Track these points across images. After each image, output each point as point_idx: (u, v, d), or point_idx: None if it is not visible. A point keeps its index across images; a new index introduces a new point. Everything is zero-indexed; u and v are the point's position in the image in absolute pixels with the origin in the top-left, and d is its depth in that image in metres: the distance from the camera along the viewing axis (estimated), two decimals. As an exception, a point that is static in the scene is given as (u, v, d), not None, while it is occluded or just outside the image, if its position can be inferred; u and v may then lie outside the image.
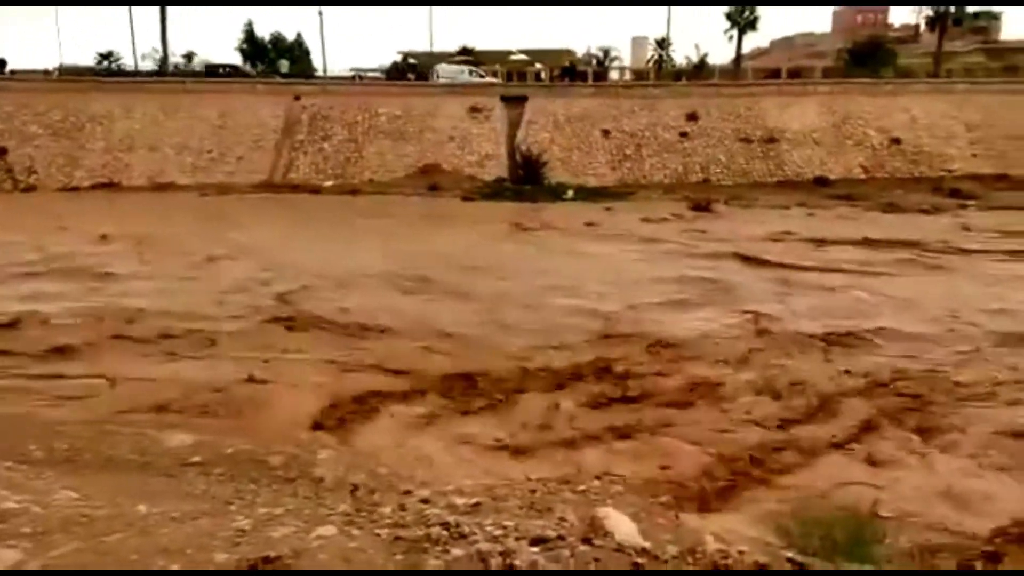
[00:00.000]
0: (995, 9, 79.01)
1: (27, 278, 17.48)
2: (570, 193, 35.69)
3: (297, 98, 42.53)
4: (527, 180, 37.11)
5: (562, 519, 3.00)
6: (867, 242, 24.09)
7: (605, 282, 18.39)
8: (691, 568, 2.34)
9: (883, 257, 21.87)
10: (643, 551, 2.52)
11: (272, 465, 6.27)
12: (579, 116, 41.77)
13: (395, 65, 58.68)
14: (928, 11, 56.01)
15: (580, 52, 60.73)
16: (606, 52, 53.64)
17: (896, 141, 40.29)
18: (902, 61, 54.98)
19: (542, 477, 4.53)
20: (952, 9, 52.56)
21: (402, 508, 3.10)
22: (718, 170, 39.63)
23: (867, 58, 51.41)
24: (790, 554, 2.31)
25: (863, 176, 38.81)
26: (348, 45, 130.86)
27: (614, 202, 33.67)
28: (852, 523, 5.44)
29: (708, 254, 22.73)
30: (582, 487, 4.14)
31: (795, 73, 52.12)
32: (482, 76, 50.05)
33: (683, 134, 40.95)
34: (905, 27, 74.37)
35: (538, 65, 54.06)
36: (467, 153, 40.38)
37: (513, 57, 55.92)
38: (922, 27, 62.17)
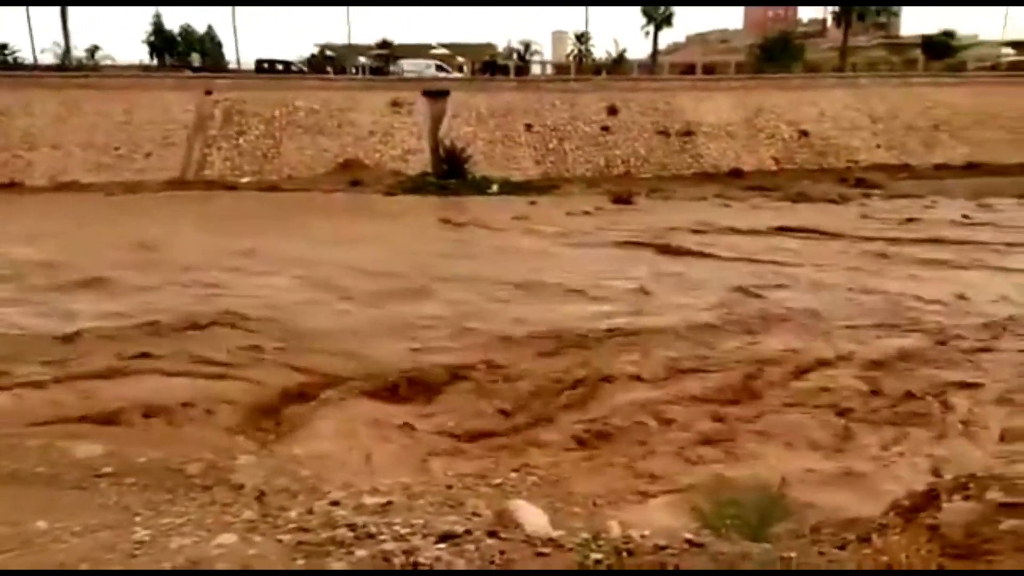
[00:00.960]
0: (895, 7, 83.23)
1: None
2: (495, 187, 35.74)
3: (208, 92, 41.12)
4: (451, 174, 36.95)
5: (474, 513, 3.00)
6: (779, 231, 25.15)
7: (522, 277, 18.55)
8: (596, 551, 2.37)
9: (792, 245, 22.88)
10: (549, 541, 2.54)
11: (189, 473, 6.05)
12: (502, 110, 41.83)
13: (312, 58, 57.46)
14: (835, 7, 58.44)
15: (501, 46, 60.87)
16: (527, 46, 53.90)
17: (805, 134, 41.89)
18: (810, 56, 57.15)
19: (461, 473, 4.51)
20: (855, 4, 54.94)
21: (310, 512, 3.04)
22: (638, 163, 40.37)
23: (777, 53, 53.22)
24: (688, 535, 2.37)
25: (775, 168, 40.18)
26: (262, 37, 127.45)
27: (538, 196, 33.92)
28: (762, 502, 5.64)
29: (630, 244, 23.25)
30: (498, 480, 4.15)
31: (710, 68, 53.58)
32: (447, 71, 50.07)
33: (604, 128, 41.52)
34: (813, 22, 77.51)
35: (459, 59, 53.84)
36: (389, 148, 39.91)
37: (434, 51, 55.53)
38: (829, 22, 64.83)
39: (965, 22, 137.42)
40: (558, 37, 65.52)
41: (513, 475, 4.30)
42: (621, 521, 3.54)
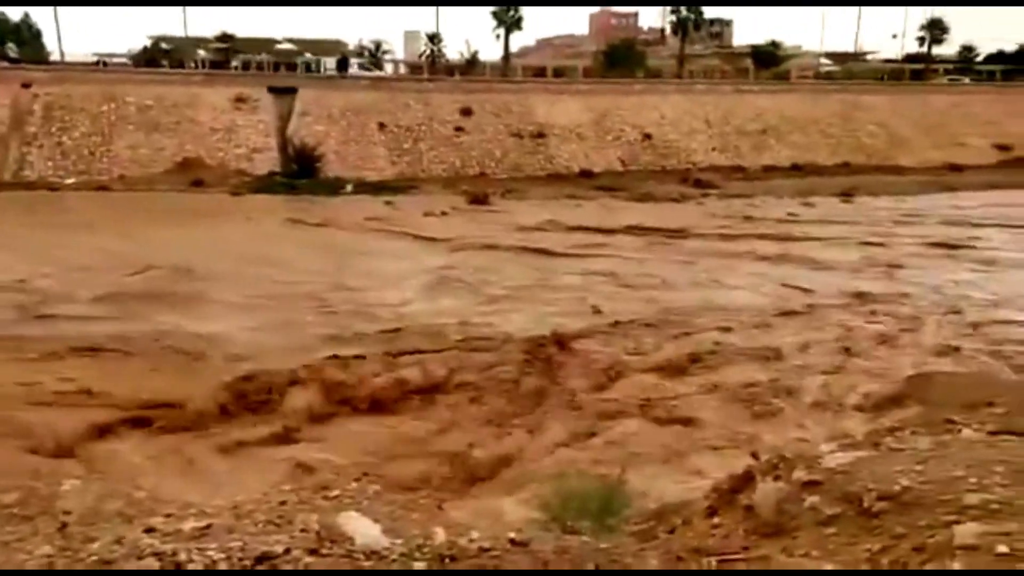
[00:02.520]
0: (727, 16, 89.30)
1: None
2: (349, 187, 34.94)
3: (27, 86, 37.42)
4: (301, 174, 35.70)
5: (302, 530, 2.86)
6: (626, 229, 26.34)
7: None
8: (420, 565, 2.33)
9: (639, 242, 24.08)
10: (372, 553, 2.47)
11: (5, 503, 5.42)
12: (355, 109, 40.93)
13: (145, 50, 53.73)
14: (672, 16, 61.74)
15: (351, 44, 59.58)
16: (378, 45, 52.99)
17: (648, 136, 43.95)
18: (651, 62, 60.11)
19: (298, 486, 4.33)
20: (691, 14, 58.37)
21: (118, 541, 2.79)
22: (493, 164, 40.80)
23: (621, 59, 55.57)
24: (512, 535, 2.37)
25: (622, 169, 41.89)
26: (90, 29, 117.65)
27: (395, 196, 33.52)
28: (603, 492, 5.83)
29: (489, 245, 23.52)
30: (336, 493, 4.01)
31: (559, 72, 55.08)
32: (369, 69, 49.75)
33: (458, 129, 41.63)
34: (653, 31, 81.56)
35: (308, 55, 52.20)
36: (233, 146, 38.01)
37: (279, 46, 53.48)
38: (668, 31, 68.45)
39: (789, 34, 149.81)
40: (411, 36, 65.05)
41: (354, 485, 4.16)
42: (460, 523, 3.51)
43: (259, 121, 39.29)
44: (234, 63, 50.62)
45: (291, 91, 40.86)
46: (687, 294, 16.89)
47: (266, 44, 52.28)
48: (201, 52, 52.49)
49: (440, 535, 2.57)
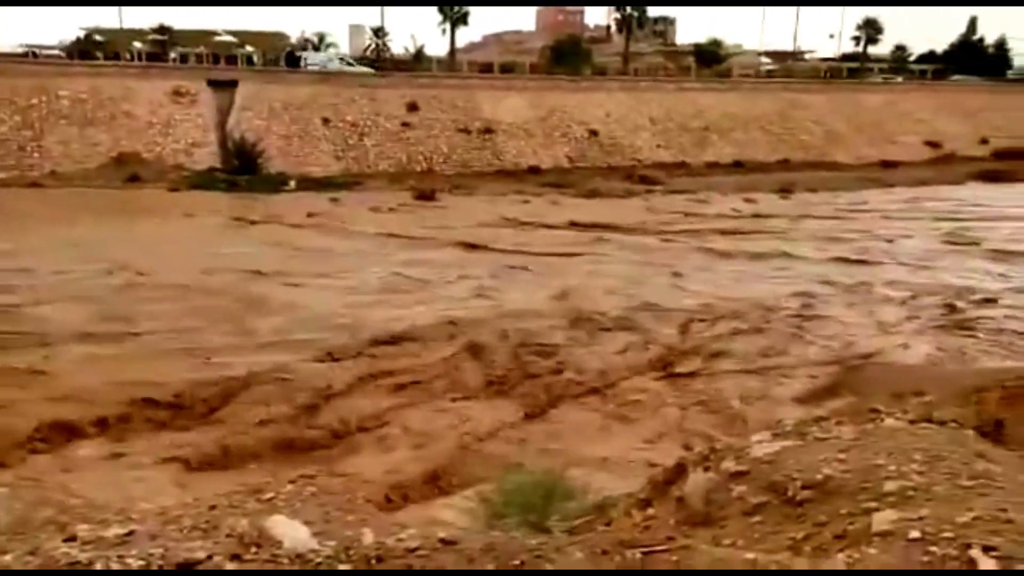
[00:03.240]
0: (671, 15, 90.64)
1: None
2: (292, 184, 34.36)
3: (-52, 76, 35.77)
4: (243, 170, 34.93)
5: (228, 535, 2.79)
6: (572, 225, 26.58)
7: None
8: (349, 567, 2.29)
9: (585, 237, 24.34)
10: (297, 556, 2.42)
11: None
12: (298, 103, 40.22)
13: (78, 42, 51.82)
14: (617, 14, 62.38)
15: (294, 36, 58.49)
16: (321, 38, 52.10)
17: (595, 133, 44.30)
18: (597, 60, 60.57)
19: (232, 490, 4.22)
20: (635, 12, 59.04)
21: (32, 553, 2.68)
22: (441, 160, 40.60)
23: (567, 56, 55.85)
24: (443, 534, 2.36)
25: (569, 165, 42.13)
26: (17, 19, 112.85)
27: (340, 192, 33.12)
28: (546, 486, 5.85)
29: (436, 242, 23.46)
30: (270, 495, 3.92)
31: (507, 68, 55.04)
32: (351, 64, 49.00)
33: (405, 124, 41.28)
34: (598, 28, 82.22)
35: (248, 48, 51.06)
36: (171, 141, 36.99)
37: (218, 38, 52.18)
38: (613, 29, 69.09)
39: (730, 33, 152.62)
40: (355, 30, 64.18)
41: (289, 487, 4.08)
42: (396, 523, 3.47)
43: (198, 115, 38.33)
44: (172, 56, 49.23)
45: (231, 84, 39.96)
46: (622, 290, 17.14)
47: (205, 37, 50.94)
48: (137, 44, 50.91)
49: (368, 536, 2.54)
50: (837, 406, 9.01)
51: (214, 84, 39.72)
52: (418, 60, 55.18)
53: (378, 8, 77.84)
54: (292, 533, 2.82)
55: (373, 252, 21.61)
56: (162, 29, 51.45)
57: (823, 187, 36.37)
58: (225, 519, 3.25)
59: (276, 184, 33.83)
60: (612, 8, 64.83)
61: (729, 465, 3.27)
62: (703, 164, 43.45)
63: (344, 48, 60.82)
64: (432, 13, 57.15)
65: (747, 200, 32.71)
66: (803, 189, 35.56)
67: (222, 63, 46.53)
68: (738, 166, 43.06)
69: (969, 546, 2.12)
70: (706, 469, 3.39)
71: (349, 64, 49.72)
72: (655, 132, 45.51)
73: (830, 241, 23.84)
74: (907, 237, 24.53)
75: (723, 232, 25.25)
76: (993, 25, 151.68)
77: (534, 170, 40.38)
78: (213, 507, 3.81)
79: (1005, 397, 3.91)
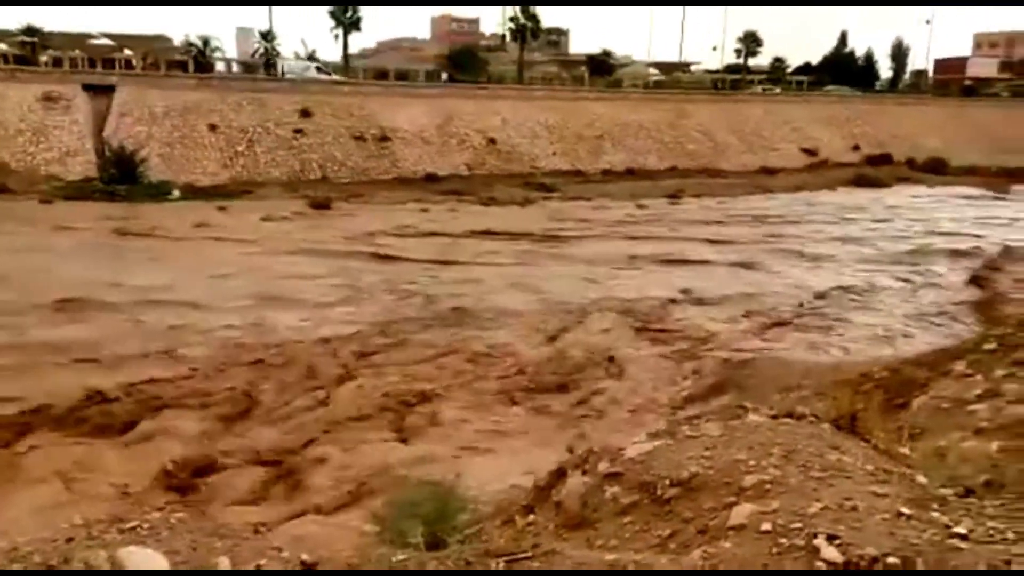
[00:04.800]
0: (564, 26, 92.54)
1: None
2: (176, 193, 32.88)
3: None
4: (123, 179, 33.12)
5: (80, 570, 2.60)
6: (472, 234, 26.59)
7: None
8: None
9: (489, 246, 24.41)
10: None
11: None
12: (181, 109, 38.53)
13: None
14: (512, 24, 63.05)
15: (177, 40, 55.99)
16: (206, 41, 50.08)
17: (492, 141, 44.59)
18: (493, 68, 61.05)
19: (93, 519, 3.95)
20: (528, 22, 59.86)
21: None
22: (336, 168, 39.83)
23: (463, 64, 56.02)
24: (305, 556, 2.28)
25: (467, 173, 42.22)
26: None
27: (228, 201, 31.91)
28: (438, 498, 5.80)
29: (334, 252, 22.98)
30: (133, 524, 3.69)
31: (402, 75, 54.61)
32: (329, 74, 48.50)
33: (298, 131, 40.28)
34: (493, 37, 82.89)
35: (127, 51, 48.53)
36: (43, 149, 34.68)
37: (95, 41, 49.36)
38: (508, 38, 69.77)
39: (620, 44, 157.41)
40: (244, 34, 62.10)
41: (156, 515, 3.85)
42: (272, 547, 3.34)
43: (73, 122, 36.12)
44: (43, 59, 46.16)
45: (109, 89, 37.87)
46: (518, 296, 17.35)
47: (80, 40, 48.01)
48: (2, 46, 47.41)
49: (224, 562, 2.43)
50: (724, 403, 9.38)
51: (90, 89, 37.53)
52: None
53: (267, 11, 75.51)
54: (148, 563, 2.66)
55: (256, 263, 20.93)
56: (31, 31, 48.12)
57: (709, 193, 37.96)
58: (79, 552, 3.04)
59: (159, 193, 32.29)
60: (506, 17, 65.55)
61: (604, 467, 3.33)
62: (598, 171, 44.51)
63: (231, 52, 58.77)
64: (324, 18, 56.11)
65: (639, 206, 33.73)
66: (690, 195, 37.00)
67: (99, 67, 43.93)
68: (631, 173, 44.33)
69: (815, 535, 2.23)
70: (584, 472, 3.44)
71: (327, 74, 49.54)
72: (552, 140, 46.26)
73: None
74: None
75: (614, 237, 26.00)
76: (862, 38, 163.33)
77: (432, 178, 40.24)
78: (70, 539, 3.57)
79: (859, 391, 4.16)
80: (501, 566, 2.11)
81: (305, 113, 40.91)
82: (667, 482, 2.96)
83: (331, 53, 58.13)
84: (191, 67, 47.25)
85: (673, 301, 17.23)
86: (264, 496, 8.31)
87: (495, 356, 12.84)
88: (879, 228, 28.76)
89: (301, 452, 9.25)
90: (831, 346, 14.33)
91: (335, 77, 49.74)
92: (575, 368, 12.36)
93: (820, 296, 17.74)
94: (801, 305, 16.71)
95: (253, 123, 39.57)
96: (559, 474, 3.73)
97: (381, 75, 53.66)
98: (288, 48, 57.84)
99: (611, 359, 13.23)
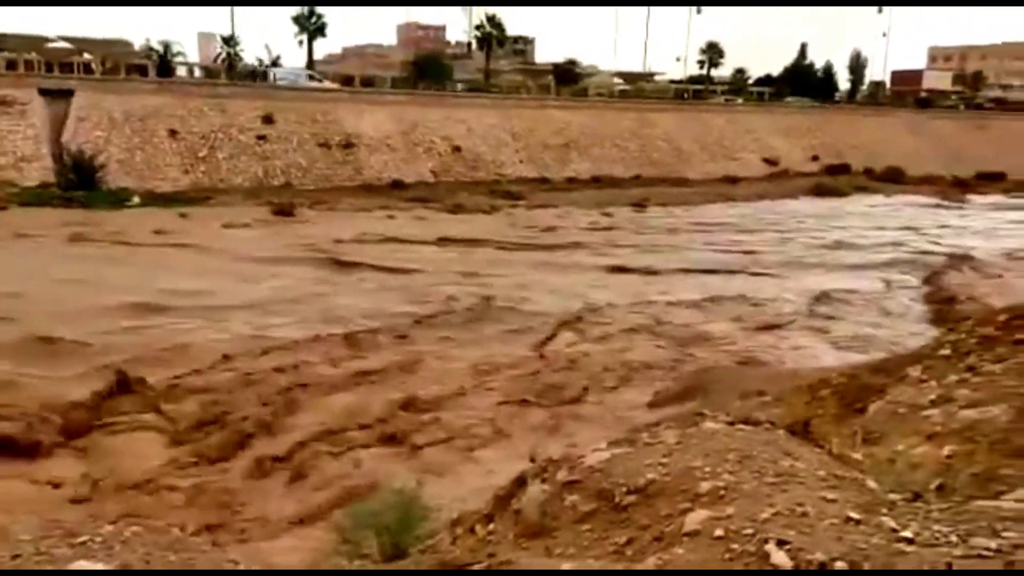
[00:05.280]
0: (530, 34, 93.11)
1: None
2: (136, 199, 32.30)
3: None
4: (81, 185, 32.45)
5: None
6: (440, 241, 26.53)
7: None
8: None
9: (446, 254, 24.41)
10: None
11: None
12: (141, 114, 37.86)
13: None
14: (477, 32, 63.22)
15: (137, 44, 55.01)
16: (167, 46, 49.34)
17: (458, 149, 44.59)
18: (458, 76, 61.12)
19: (43, 534, 3.85)
20: (493, 30, 60.15)
21: None
22: (300, 174, 39.46)
23: (429, 71, 55.99)
24: (243, 566, 2.25)
25: (433, 180, 42.15)
26: None
27: (189, 208, 31.46)
28: (399, 507, 5.76)
29: (297, 259, 22.77)
30: (84, 539, 3.61)
31: (368, 82, 54.37)
32: (320, 81, 48.70)
33: (260, 137, 39.84)
34: (460, 44, 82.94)
35: (86, 55, 47.58)
36: (-3, 154, 33.83)
37: (52, 44, 48.30)
38: (474, 46, 69.89)
39: (585, 54, 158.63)
40: (205, 39, 61.28)
41: (108, 529, 3.77)
42: (227, 561, 3.29)
43: (28, 127, 35.29)
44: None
45: (67, 94, 37.06)
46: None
47: (36, 43, 46.89)
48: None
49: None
50: (691, 408, 9.48)
51: (47, 93, 36.70)
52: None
53: (229, 17, 74.63)
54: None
55: (217, 270, 20.65)
56: (-18, 32, 46.94)
57: (673, 201, 38.38)
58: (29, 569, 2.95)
59: (118, 200, 31.70)
60: (472, 25, 65.65)
61: (563, 475, 3.33)
62: (564, 179, 44.74)
63: (193, 57, 57.95)
64: (288, 24, 55.68)
65: (604, 214, 33.97)
66: (655, 203, 37.37)
67: (56, 71, 42.96)
68: (596, 181, 44.62)
69: (766, 541, 2.26)
70: (543, 480, 3.44)
71: (319, 81, 49.62)
72: (518, 148, 46.41)
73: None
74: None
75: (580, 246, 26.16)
76: (822, 50, 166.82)
77: (398, 185, 40.09)
78: (16, 555, 3.47)
79: (815, 397, 4.24)
80: None
81: (268, 119, 40.49)
82: (625, 489, 2.97)
83: (295, 59, 57.67)
84: (152, 72, 46.50)
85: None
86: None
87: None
88: (842, 235, 29.42)
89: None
90: (799, 348, 14.65)
91: (327, 84, 49.61)
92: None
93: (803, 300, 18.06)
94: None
95: (215, 129, 39.05)
96: (520, 483, 3.72)
97: (347, 81, 53.36)
98: (251, 54, 57.31)
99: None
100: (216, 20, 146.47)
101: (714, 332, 15.78)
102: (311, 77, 50.62)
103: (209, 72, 53.46)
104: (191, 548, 4.08)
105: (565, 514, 3.08)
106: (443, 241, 26.22)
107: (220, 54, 55.03)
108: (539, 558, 2.51)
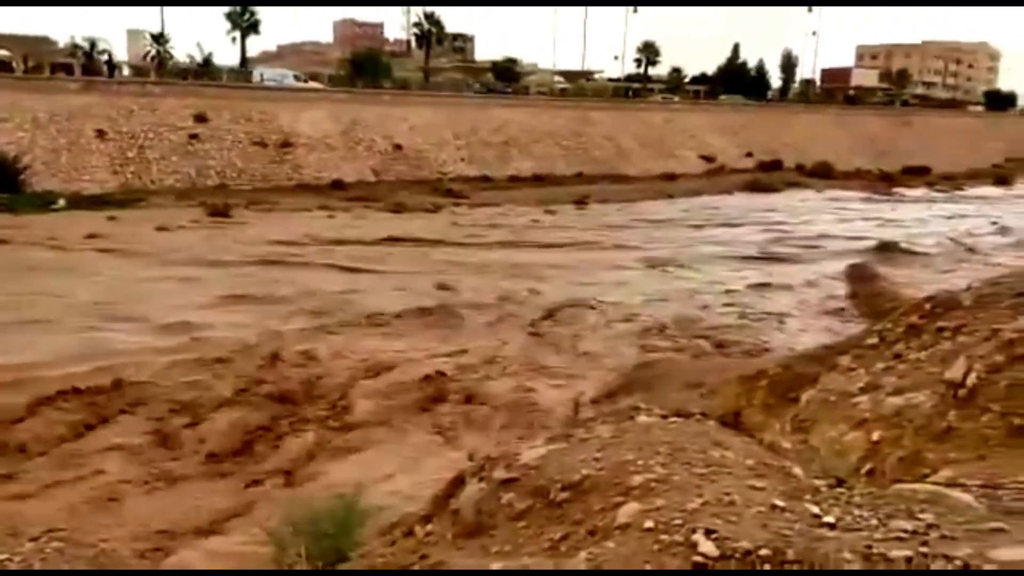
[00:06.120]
0: (469, 32, 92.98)
1: None
2: (61, 202, 31.06)
3: None
4: (3, 188, 31.07)
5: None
6: (386, 240, 26.26)
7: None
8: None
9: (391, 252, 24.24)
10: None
11: None
12: (66, 114, 36.43)
13: None
14: (416, 29, 62.91)
15: (62, 41, 52.99)
16: (92, 44, 47.59)
17: (399, 147, 44.21)
18: (397, 74, 60.60)
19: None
20: (432, 27, 59.92)
21: None
22: (235, 174, 38.54)
23: (367, 69, 55.39)
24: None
25: (374, 179, 41.68)
26: None
27: (119, 210, 30.42)
28: (338, 512, 5.68)
29: (235, 261, 22.25)
30: (3, 557, 3.46)
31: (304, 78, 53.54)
32: (305, 81, 48.57)
33: (193, 136, 38.77)
34: (398, 42, 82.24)
35: (5, 52, 45.60)
36: (-91, 157, 32.09)
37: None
38: (413, 43, 69.46)
39: (525, 52, 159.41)
40: (134, 36, 59.35)
41: (29, 545, 3.63)
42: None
43: (-57, 127, 33.60)
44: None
45: (-16, 93, 35.41)
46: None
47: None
48: None
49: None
50: (632, 402, 9.60)
51: (-38, 92, 35.01)
52: (207, 68, 52.10)
53: (158, 14, 72.49)
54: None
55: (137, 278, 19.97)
56: None
57: (614, 198, 38.84)
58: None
59: (43, 203, 30.43)
60: (411, 22, 65.17)
61: (500, 473, 3.33)
62: (506, 178, 44.76)
63: (122, 55, 56.10)
64: (220, 20, 54.38)
65: (548, 212, 34.15)
66: (596, 200, 37.75)
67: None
68: (538, 179, 44.79)
69: (694, 531, 2.30)
70: (481, 479, 3.44)
71: (304, 82, 49.50)
72: (459, 146, 46.26)
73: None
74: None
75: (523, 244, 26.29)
76: (754, 50, 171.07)
77: (338, 184, 39.51)
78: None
79: (748, 387, 4.34)
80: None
81: (200, 118, 39.43)
82: (559, 486, 2.99)
83: (228, 56, 56.32)
84: (77, 70, 44.84)
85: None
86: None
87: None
88: (771, 229, 30.26)
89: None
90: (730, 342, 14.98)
91: (313, 85, 48.99)
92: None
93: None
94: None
95: (144, 128, 37.84)
96: (457, 482, 3.71)
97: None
98: (181, 51, 55.76)
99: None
100: (146, 18, 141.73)
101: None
102: (297, 78, 50.63)
103: (137, 71, 51.83)
104: (117, 562, 3.96)
105: (502, 512, 3.08)
106: (383, 241, 26.02)
107: (148, 52, 53.34)
108: (473, 558, 2.51)
